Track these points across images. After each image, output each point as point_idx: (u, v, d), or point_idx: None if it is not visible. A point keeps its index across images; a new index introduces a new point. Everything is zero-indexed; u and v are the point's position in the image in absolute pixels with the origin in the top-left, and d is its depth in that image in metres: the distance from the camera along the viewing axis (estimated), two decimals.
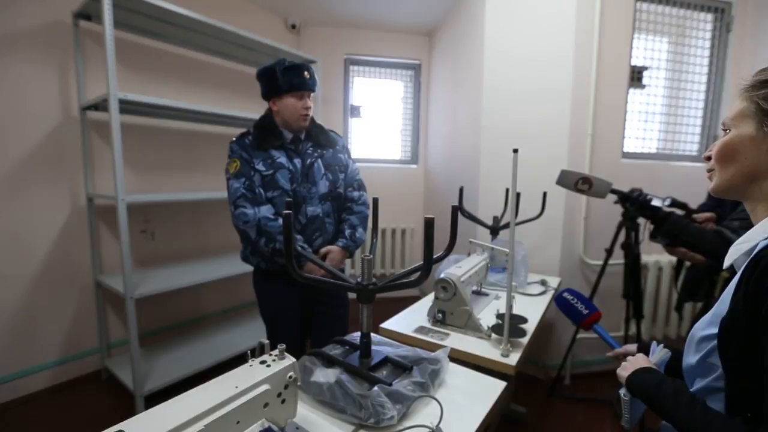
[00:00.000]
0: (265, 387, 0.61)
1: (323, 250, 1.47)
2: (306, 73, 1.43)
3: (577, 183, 1.45)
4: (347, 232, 1.52)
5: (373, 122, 3.63)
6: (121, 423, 0.49)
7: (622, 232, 1.83)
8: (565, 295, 1.23)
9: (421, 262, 0.83)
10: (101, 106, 1.92)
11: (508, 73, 2.22)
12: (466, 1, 2.58)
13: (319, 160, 1.50)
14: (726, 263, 0.60)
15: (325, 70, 3.15)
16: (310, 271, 1.41)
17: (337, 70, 3.40)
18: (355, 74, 3.55)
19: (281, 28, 3.16)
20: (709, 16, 2.33)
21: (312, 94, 1.48)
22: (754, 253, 0.53)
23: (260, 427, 0.72)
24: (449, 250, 0.95)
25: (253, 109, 2.96)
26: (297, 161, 1.46)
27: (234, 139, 1.45)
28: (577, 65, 2.09)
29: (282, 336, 1.48)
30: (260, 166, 1.40)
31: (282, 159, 1.43)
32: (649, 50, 2.29)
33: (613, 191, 1.49)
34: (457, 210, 0.93)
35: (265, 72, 1.44)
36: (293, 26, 3.19)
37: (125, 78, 2.19)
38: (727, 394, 0.54)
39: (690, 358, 0.61)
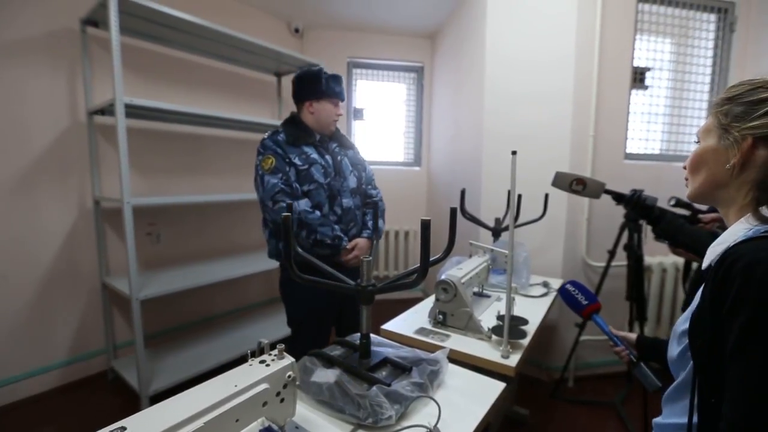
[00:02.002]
0: (264, 386, 0.63)
1: (351, 243, 1.57)
2: (342, 83, 1.62)
3: (572, 184, 1.46)
4: (370, 223, 1.68)
5: (377, 124, 3.65)
6: (123, 420, 0.51)
7: (625, 234, 1.83)
8: (568, 287, 1.26)
9: (434, 264, 0.87)
10: (108, 110, 1.96)
11: (509, 75, 2.23)
12: (468, 3, 2.60)
13: (346, 158, 1.64)
14: (704, 265, 0.63)
15: None
16: (346, 260, 1.55)
17: (341, 73, 3.41)
18: (357, 77, 3.57)
19: (285, 32, 3.20)
20: (713, 17, 2.32)
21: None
22: (722, 252, 0.57)
23: (260, 426, 0.74)
24: (448, 251, 0.95)
25: (257, 112, 3.00)
26: (328, 157, 1.57)
27: (266, 136, 1.53)
28: (578, 67, 2.09)
29: (315, 330, 1.59)
30: (296, 161, 1.49)
31: (314, 155, 1.53)
32: (651, 51, 2.28)
33: (607, 191, 1.49)
34: (456, 211, 0.94)
35: (309, 75, 1.56)
36: (296, 30, 3.22)
37: (131, 83, 2.23)
38: (696, 385, 0.57)
39: (672, 351, 0.65)
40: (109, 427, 0.48)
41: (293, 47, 3.19)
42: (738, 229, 0.59)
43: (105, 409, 1.93)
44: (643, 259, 1.81)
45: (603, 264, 1.97)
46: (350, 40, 3.40)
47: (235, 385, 0.60)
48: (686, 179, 0.70)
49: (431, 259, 0.95)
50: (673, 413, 0.65)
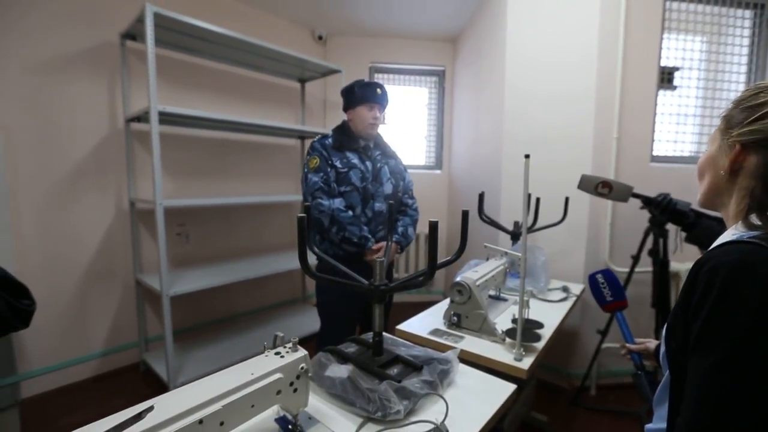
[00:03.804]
0: (278, 375, 0.67)
1: (379, 244, 1.66)
2: (378, 90, 1.73)
3: (597, 187, 1.43)
4: (400, 229, 1.78)
5: (398, 128, 3.68)
6: (151, 399, 0.56)
7: (650, 239, 1.78)
8: (598, 276, 1.23)
9: (443, 266, 0.91)
10: (143, 117, 2.09)
11: (530, 76, 2.21)
12: (489, 5, 2.60)
13: (386, 166, 1.76)
14: None
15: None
16: (370, 260, 1.65)
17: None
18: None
19: (308, 40, 3.29)
20: (748, 13, 2.22)
21: (383, 109, 1.76)
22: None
23: (275, 415, 0.78)
24: (459, 253, 0.97)
25: (282, 117, 3.10)
26: (368, 164, 1.70)
27: (316, 139, 1.69)
28: (601, 67, 2.06)
29: (340, 319, 1.68)
30: (337, 164, 1.64)
31: (355, 160, 1.67)
32: (680, 50, 2.21)
33: (635, 195, 1.45)
34: (467, 214, 0.96)
35: (346, 88, 1.76)
36: (320, 37, 3.31)
37: (165, 91, 2.36)
38: (670, 385, 0.59)
39: (661, 351, 0.65)
40: (139, 405, 0.53)
41: (317, 54, 3.28)
42: (725, 236, 0.59)
43: (136, 397, 2.04)
44: (668, 264, 1.75)
45: (627, 270, 1.92)
46: (372, 45, 3.46)
47: (252, 374, 0.64)
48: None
49: (444, 260, 0.98)
50: (659, 417, 0.65)
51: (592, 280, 1.23)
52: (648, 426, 0.68)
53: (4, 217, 1.86)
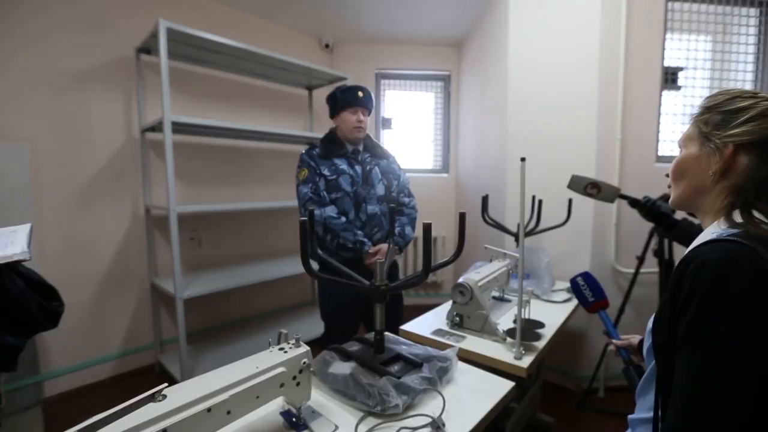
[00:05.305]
0: (281, 369, 0.71)
1: (376, 248, 1.66)
2: (360, 92, 1.72)
3: (586, 187, 1.45)
4: (397, 230, 1.75)
5: (405, 133, 3.73)
6: (163, 385, 0.61)
7: (655, 239, 1.78)
8: (578, 279, 1.25)
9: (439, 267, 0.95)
10: (157, 127, 2.17)
11: (532, 79, 2.23)
12: (492, 10, 2.63)
13: (377, 168, 1.76)
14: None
15: None
16: (370, 262, 1.62)
17: (369, 84, 3.53)
18: (386, 87, 3.68)
19: (316, 48, 3.37)
20: (753, 11, 2.21)
21: (367, 112, 1.74)
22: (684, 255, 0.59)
23: (280, 408, 0.82)
24: (457, 254, 1.01)
25: (290, 124, 3.18)
26: (357, 168, 1.71)
27: (304, 150, 1.72)
28: (603, 69, 2.07)
29: (344, 323, 1.70)
30: (326, 172, 1.66)
31: (344, 166, 1.68)
32: (685, 50, 2.21)
33: (622, 196, 1.47)
34: (464, 216, 0.99)
35: (330, 96, 1.77)
36: (327, 45, 3.38)
37: (177, 102, 2.45)
38: (657, 378, 0.60)
39: (645, 344, 0.68)
40: (151, 390, 0.58)
41: (324, 62, 3.35)
42: (707, 234, 0.61)
43: None
44: (674, 265, 1.74)
45: (633, 270, 1.92)
46: (378, 52, 3.52)
47: (257, 367, 0.69)
48: (669, 187, 0.72)
49: (441, 261, 1.02)
50: (642, 408, 0.68)
51: (573, 283, 1.26)
52: (630, 416, 0.70)
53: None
